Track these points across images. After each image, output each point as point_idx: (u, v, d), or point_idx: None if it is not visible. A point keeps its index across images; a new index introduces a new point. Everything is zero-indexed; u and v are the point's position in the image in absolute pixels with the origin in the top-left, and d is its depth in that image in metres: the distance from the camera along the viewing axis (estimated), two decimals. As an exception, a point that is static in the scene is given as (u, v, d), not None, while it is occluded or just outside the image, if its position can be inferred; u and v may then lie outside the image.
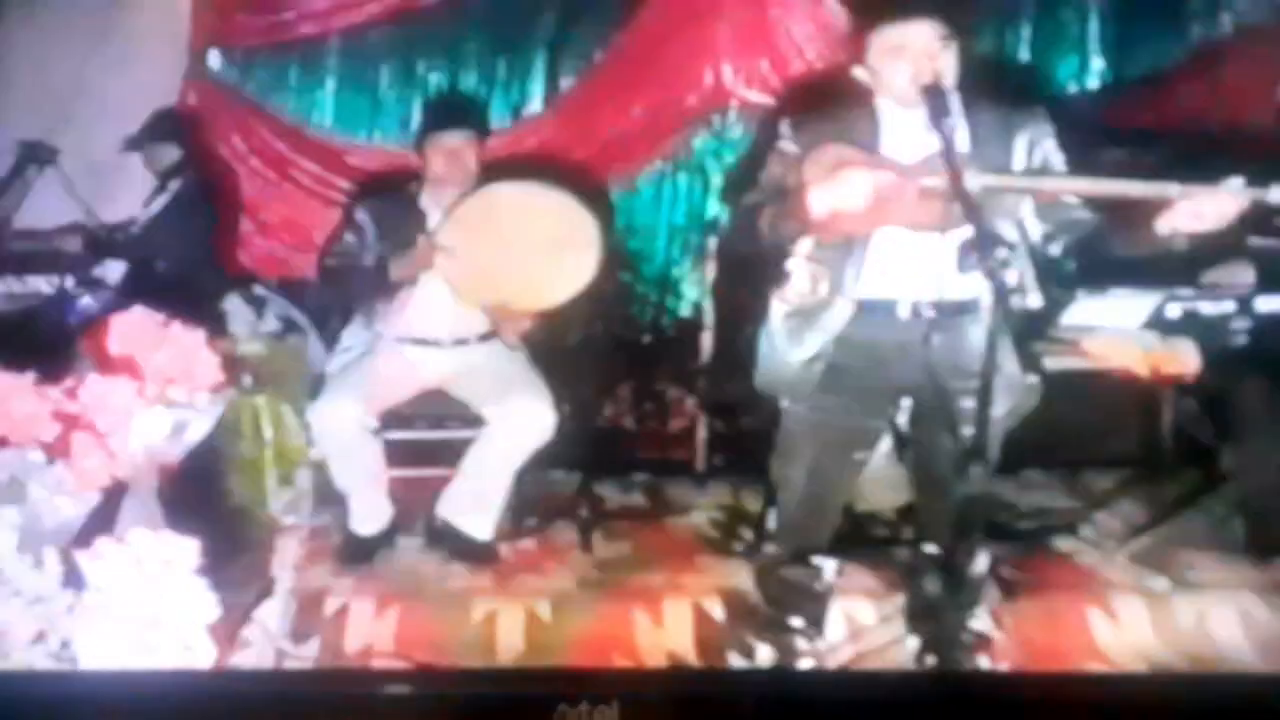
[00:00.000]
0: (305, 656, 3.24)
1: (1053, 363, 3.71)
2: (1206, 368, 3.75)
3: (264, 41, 5.22)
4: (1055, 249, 2.97)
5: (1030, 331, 3.74)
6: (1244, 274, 3.72)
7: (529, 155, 4.95)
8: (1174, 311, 3.53)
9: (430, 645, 3.29)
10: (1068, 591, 3.55)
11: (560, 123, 5.20)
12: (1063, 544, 3.89)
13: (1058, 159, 2.92)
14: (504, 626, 3.37)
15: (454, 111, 4.37)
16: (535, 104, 5.27)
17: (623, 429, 4.86)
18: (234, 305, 4.74)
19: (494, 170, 3.97)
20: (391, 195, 4.01)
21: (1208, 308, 3.52)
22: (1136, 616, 3.44)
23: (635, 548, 3.90)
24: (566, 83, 5.26)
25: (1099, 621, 3.43)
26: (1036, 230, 2.93)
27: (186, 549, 2.25)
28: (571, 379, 4.50)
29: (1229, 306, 3.51)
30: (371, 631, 3.34)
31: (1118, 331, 3.70)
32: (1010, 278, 2.70)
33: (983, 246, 2.47)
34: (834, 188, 2.75)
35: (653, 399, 4.88)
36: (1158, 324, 3.55)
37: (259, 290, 4.81)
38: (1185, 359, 3.73)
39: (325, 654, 3.26)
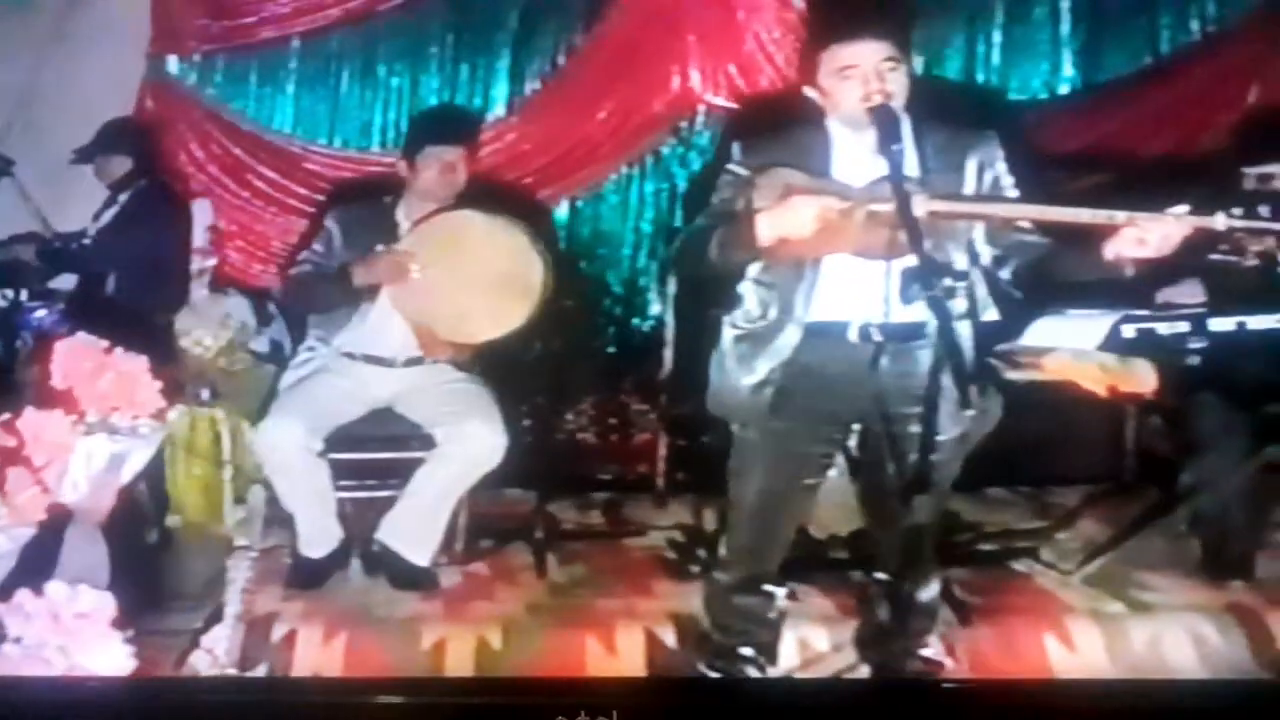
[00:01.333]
0: (250, 685, 3.20)
1: (1017, 376, 3.70)
2: (1164, 387, 3.75)
3: (224, 46, 5.17)
4: (1005, 272, 2.98)
5: (990, 350, 3.74)
6: (1196, 293, 3.72)
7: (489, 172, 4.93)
8: (1129, 332, 3.50)
9: (378, 672, 3.24)
10: (1024, 615, 3.54)
11: (524, 127, 5.15)
12: (1021, 565, 3.88)
13: (1008, 182, 2.93)
14: (453, 654, 3.32)
15: (451, 123, 4.30)
16: (499, 108, 5.22)
17: (585, 443, 4.83)
18: (239, 307, 4.71)
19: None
20: (366, 205, 3.97)
21: (1163, 328, 3.48)
22: (1091, 641, 3.43)
23: (590, 570, 3.87)
24: (530, 87, 5.21)
25: (1054, 646, 3.41)
26: (987, 253, 2.93)
27: (103, 602, 2.22)
28: (534, 392, 4.48)
29: (1183, 327, 3.48)
30: (319, 658, 3.30)
31: (1075, 351, 3.68)
32: (956, 306, 2.71)
33: (926, 276, 2.47)
34: (780, 215, 2.74)
35: (616, 413, 4.85)
36: (1114, 345, 3.52)
37: (271, 307, 4.76)
38: (1142, 378, 3.73)
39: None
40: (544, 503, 3.98)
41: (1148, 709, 2.37)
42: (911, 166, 2.79)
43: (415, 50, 5.21)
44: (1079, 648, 3.41)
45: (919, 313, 2.70)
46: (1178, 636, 3.43)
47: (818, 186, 2.78)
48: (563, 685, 2.83)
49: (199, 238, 4.89)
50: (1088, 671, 3.34)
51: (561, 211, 5.25)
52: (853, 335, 2.83)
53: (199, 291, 4.75)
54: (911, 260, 2.50)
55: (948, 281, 2.53)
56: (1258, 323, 3.50)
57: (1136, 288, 3.57)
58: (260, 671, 3.27)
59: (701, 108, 5.14)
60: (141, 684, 2.71)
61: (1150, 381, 3.72)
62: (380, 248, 3.71)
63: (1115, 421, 4.37)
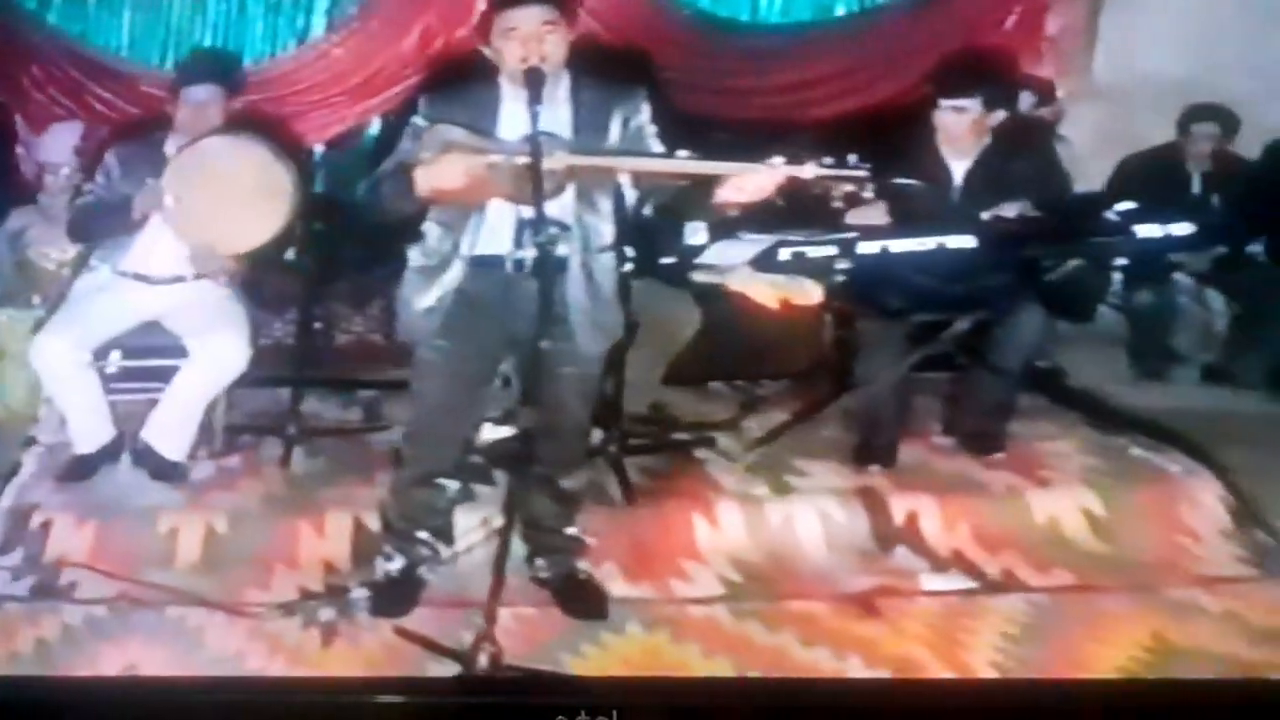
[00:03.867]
0: (6, 567, 3.71)
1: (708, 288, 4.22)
2: (834, 299, 4.25)
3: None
4: (647, 210, 3.49)
5: (681, 266, 4.25)
6: (880, 215, 4.16)
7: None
8: (784, 255, 3.98)
9: (118, 557, 3.72)
10: (682, 498, 4.06)
11: (340, 49, 5.59)
12: (702, 453, 4.38)
13: (650, 131, 3.40)
14: (184, 541, 3.80)
15: (205, 66, 4.68)
16: (319, 29, 5.67)
17: (370, 344, 5.32)
18: None
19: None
20: (141, 140, 4.43)
21: (813, 252, 3.95)
22: (733, 521, 3.96)
23: (330, 463, 4.35)
24: (349, 10, 5.64)
25: (701, 526, 3.94)
26: (631, 195, 3.41)
27: None
28: (322, 297, 4.99)
29: (832, 250, 3.95)
30: (69, 544, 3.78)
31: (750, 269, 4.16)
32: (558, 251, 3.21)
33: (536, 225, 3.05)
34: (433, 169, 3.22)
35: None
36: (768, 265, 4.00)
37: None
38: (809, 293, 4.22)
39: (25, 564, 3.72)
40: (297, 401, 4.47)
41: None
42: (565, 124, 3.27)
43: (242, -28, 5.60)
44: (722, 527, 3.94)
45: (561, 248, 3.21)
46: (808, 517, 3.97)
47: (473, 143, 3.24)
48: (563, 685, 2.99)
49: (64, 156, 5.17)
50: (726, 550, 3.87)
51: (374, 128, 5.73)
52: (508, 268, 3.31)
53: (56, 206, 5.02)
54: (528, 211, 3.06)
55: (552, 230, 3.08)
56: (900, 246, 3.99)
57: (828, 213, 4.07)
58: (16, 556, 3.76)
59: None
60: (137, 683, 3.10)
61: (816, 296, 4.21)
62: (150, 181, 4.17)
63: (819, 323, 4.83)
